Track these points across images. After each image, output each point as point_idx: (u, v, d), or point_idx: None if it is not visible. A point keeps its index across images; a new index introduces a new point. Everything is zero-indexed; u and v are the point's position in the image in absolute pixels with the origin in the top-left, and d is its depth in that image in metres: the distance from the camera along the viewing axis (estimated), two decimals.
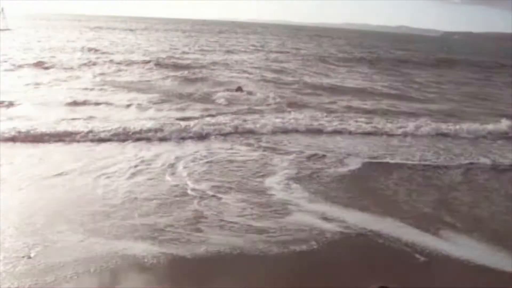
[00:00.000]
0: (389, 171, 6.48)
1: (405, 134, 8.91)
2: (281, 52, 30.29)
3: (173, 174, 5.80)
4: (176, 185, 5.40)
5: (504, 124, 10.14)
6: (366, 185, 5.93)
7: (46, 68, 15.47)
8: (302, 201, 5.16)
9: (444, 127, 9.54)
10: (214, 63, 20.04)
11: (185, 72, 15.97)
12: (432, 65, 27.68)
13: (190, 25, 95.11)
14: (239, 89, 13.76)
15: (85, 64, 16.85)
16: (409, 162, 7.00)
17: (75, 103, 9.96)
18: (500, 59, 41.38)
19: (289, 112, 10.46)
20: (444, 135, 9.07)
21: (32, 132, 7.15)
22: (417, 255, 4.09)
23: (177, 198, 5.03)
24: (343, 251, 4.17)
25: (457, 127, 9.54)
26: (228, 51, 27.79)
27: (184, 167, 6.04)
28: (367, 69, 22.67)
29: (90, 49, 22.97)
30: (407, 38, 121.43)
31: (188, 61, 19.77)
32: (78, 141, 7.05)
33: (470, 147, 8.31)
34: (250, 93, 13.26)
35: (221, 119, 8.95)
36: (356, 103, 12.36)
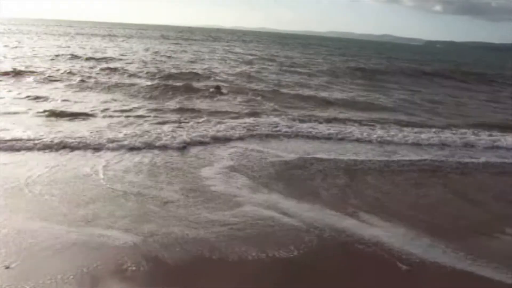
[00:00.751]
0: (320, 164, 7.31)
1: (362, 140, 9.36)
2: (263, 60, 30.67)
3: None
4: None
5: (458, 132, 10.73)
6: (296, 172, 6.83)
7: (24, 76, 15.27)
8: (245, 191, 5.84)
9: (394, 134, 9.99)
10: (202, 70, 20.34)
11: (165, 82, 16.00)
12: (412, 75, 28.04)
13: (174, 31, 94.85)
14: (217, 88, 13.90)
15: (65, 73, 16.79)
16: (340, 157, 7.83)
17: (51, 113, 9.88)
18: (481, 68, 42.50)
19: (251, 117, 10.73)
20: (390, 142, 9.45)
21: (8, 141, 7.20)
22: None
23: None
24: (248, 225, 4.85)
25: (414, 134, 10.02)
26: (211, 59, 27.99)
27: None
28: (348, 79, 22.96)
29: (72, 57, 22.90)
30: (391, 47, 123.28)
31: (170, 70, 19.81)
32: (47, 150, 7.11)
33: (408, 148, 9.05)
34: (224, 94, 13.44)
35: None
36: (321, 111, 12.68)
